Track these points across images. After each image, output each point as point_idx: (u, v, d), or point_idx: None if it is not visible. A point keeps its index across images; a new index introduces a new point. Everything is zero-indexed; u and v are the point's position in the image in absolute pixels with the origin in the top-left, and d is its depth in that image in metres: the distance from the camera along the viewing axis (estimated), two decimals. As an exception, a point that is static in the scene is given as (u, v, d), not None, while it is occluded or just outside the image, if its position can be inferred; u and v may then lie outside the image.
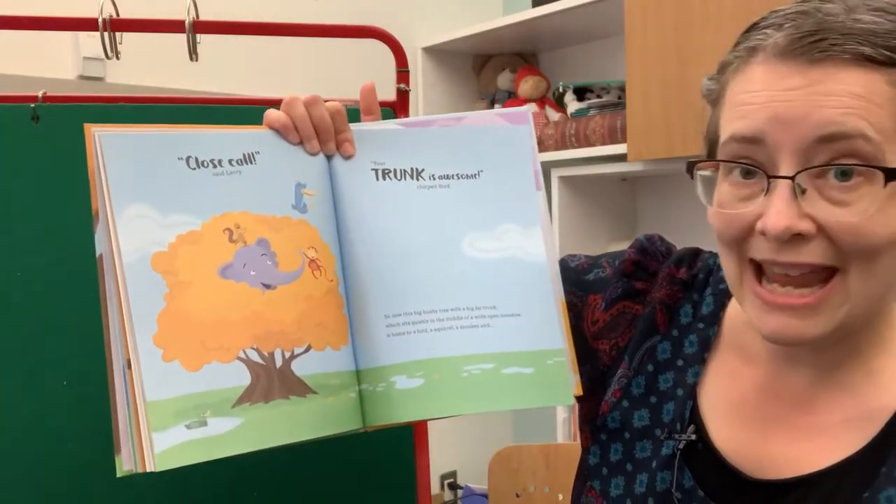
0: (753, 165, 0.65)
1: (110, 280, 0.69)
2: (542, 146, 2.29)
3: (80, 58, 1.96)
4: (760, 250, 0.66)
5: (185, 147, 0.73)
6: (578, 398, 0.80)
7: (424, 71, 2.55)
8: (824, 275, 0.65)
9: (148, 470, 0.66)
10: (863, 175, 0.62)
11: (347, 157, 0.79)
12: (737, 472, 0.73)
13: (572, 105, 2.25)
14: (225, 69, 1.99)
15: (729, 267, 0.71)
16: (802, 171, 0.63)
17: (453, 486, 2.63)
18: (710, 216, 0.70)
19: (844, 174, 0.62)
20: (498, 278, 0.79)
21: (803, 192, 0.63)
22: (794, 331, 0.66)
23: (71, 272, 1.02)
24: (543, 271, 0.80)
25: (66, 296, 1.03)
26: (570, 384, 0.78)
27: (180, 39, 1.10)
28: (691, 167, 0.70)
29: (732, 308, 0.80)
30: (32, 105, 1.05)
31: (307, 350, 0.74)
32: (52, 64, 1.94)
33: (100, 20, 1.07)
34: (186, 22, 1.08)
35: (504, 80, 2.56)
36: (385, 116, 1.18)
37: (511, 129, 0.83)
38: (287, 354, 0.72)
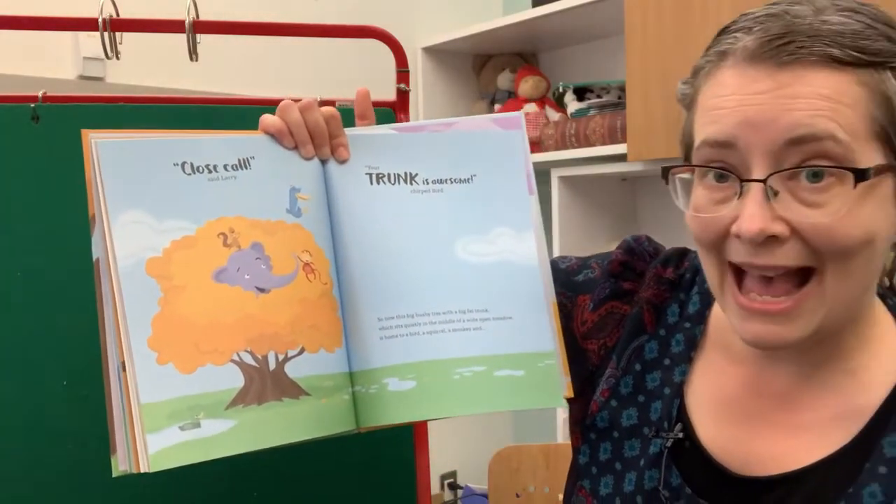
0: (726, 169, 0.66)
1: (106, 284, 0.70)
2: (542, 146, 2.29)
3: (80, 58, 1.96)
4: (737, 253, 0.67)
5: (180, 153, 0.74)
6: (569, 399, 0.81)
7: (424, 71, 2.55)
8: (800, 279, 0.66)
9: (142, 471, 0.67)
10: (834, 176, 0.63)
11: (342, 162, 0.80)
12: (723, 469, 0.74)
13: (572, 105, 2.25)
14: (225, 69, 1.99)
15: (710, 271, 0.71)
16: (774, 173, 0.63)
17: (453, 486, 2.63)
18: (687, 219, 0.71)
19: (816, 175, 0.63)
20: (490, 282, 0.80)
21: (776, 194, 0.64)
22: (774, 336, 0.67)
23: (71, 272, 1.02)
24: (535, 275, 0.81)
25: (66, 296, 1.03)
26: (561, 386, 0.79)
27: (180, 39, 1.10)
28: (666, 172, 0.71)
29: (718, 307, 0.80)
30: (32, 105, 1.05)
31: (301, 352, 0.75)
32: (52, 64, 1.93)
33: (100, 20, 1.07)
34: (186, 22, 1.08)
35: (504, 80, 2.56)
36: (385, 117, 1.18)
37: (504, 134, 0.84)
38: (280, 357, 0.73)
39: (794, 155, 0.63)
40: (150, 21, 1.11)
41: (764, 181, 0.63)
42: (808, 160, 0.63)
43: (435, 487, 2.60)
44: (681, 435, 0.76)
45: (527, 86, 2.43)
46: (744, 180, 0.64)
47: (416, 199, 0.81)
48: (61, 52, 1.95)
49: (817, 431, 0.71)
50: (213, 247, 0.73)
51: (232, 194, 0.75)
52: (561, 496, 1.57)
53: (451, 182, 0.82)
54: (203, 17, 1.10)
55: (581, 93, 2.27)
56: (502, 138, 0.84)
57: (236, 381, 0.71)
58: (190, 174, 0.74)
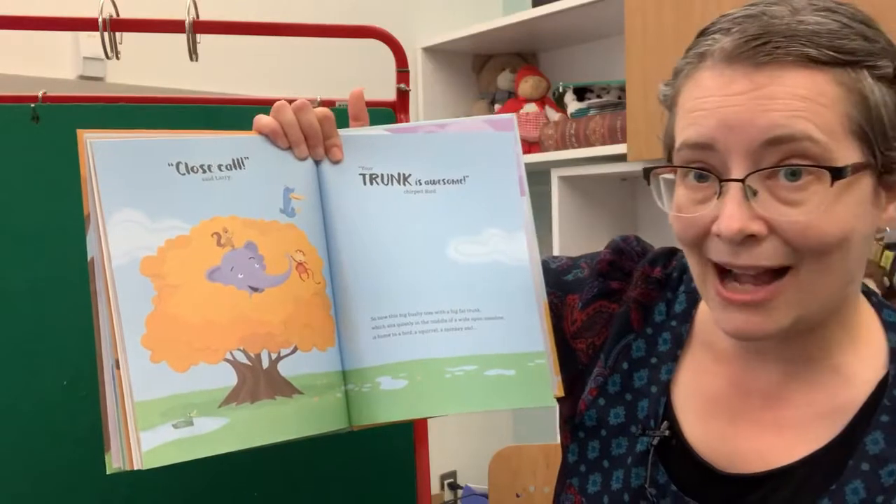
0: (705, 170, 0.67)
1: (100, 283, 0.71)
2: (543, 146, 2.29)
3: (80, 58, 1.96)
4: (717, 252, 0.68)
5: (175, 153, 0.74)
6: (558, 398, 0.82)
7: (424, 71, 2.55)
8: (778, 272, 0.67)
9: (135, 468, 0.68)
10: (812, 174, 0.63)
11: (335, 162, 0.81)
12: (709, 466, 0.75)
13: (572, 105, 2.25)
14: (225, 69, 1.98)
15: (694, 268, 0.73)
16: (752, 173, 0.64)
17: (453, 486, 2.63)
18: (671, 219, 0.71)
19: (793, 174, 0.64)
20: (482, 282, 0.81)
21: (755, 193, 0.64)
22: (753, 326, 0.68)
23: (71, 272, 1.02)
24: (527, 275, 0.82)
25: (67, 295, 1.03)
26: (552, 386, 0.80)
27: (180, 39, 1.10)
28: (647, 173, 0.72)
29: (704, 306, 0.81)
30: (32, 105, 1.05)
31: (294, 351, 0.75)
32: (52, 64, 1.93)
33: (100, 20, 1.07)
34: (186, 22, 1.08)
35: (504, 80, 2.56)
36: (385, 117, 1.18)
37: (496, 136, 0.85)
38: (274, 355, 0.74)
39: (771, 155, 0.64)
40: (150, 21, 1.11)
41: (742, 181, 0.64)
42: (785, 159, 0.63)
43: (435, 487, 2.60)
44: (667, 433, 0.77)
45: (527, 86, 2.43)
46: (723, 180, 0.65)
47: (409, 199, 0.82)
48: (61, 52, 1.95)
49: (802, 428, 0.72)
50: (207, 246, 0.74)
51: (226, 194, 0.76)
52: (561, 496, 1.56)
53: (444, 183, 0.83)
54: (203, 17, 1.10)
55: (581, 93, 2.27)
56: (495, 140, 0.84)
57: (229, 379, 0.71)
58: (184, 174, 0.74)
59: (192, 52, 1.10)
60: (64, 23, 1.13)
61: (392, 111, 1.19)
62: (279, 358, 0.74)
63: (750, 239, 0.65)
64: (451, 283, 0.80)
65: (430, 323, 0.79)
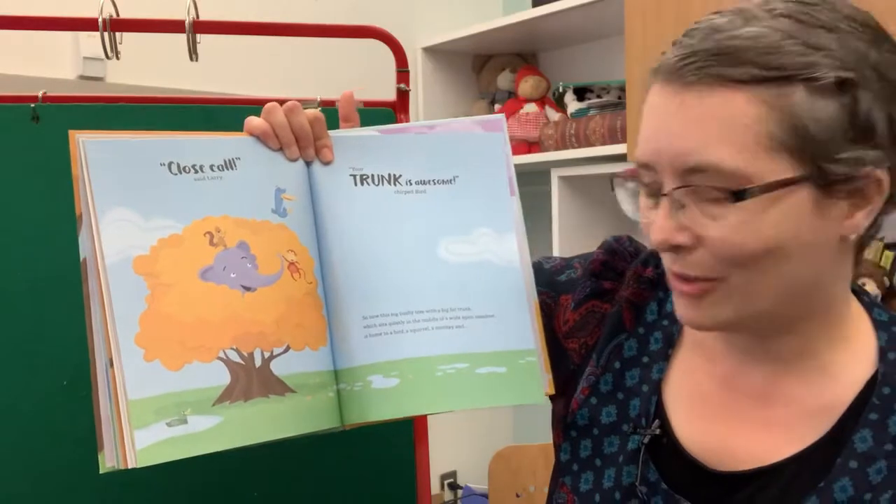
0: (646, 184, 0.70)
1: (93, 282, 0.71)
2: (543, 146, 2.29)
3: (80, 58, 1.96)
4: (662, 257, 0.72)
5: (167, 153, 0.75)
6: (551, 397, 0.84)
7: (424, 71, 2.55)
8: (717, 273, 0.69)
9: (129, 466, 0.68)
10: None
11: (326, 163, 0.82)
12: (699, 464, 0.75)
13: (572, 105, 2.25)
14: (225, 69, 1.98)
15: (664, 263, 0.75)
16: (675, 189, 0.67)
17: (453, 486, 2.63)
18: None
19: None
20: (472, 281, 0.81)
21: (682, 206, 0.67)
22: (692, 316, 0.71)
23: (71, 272, 1.01)
24: (517, 274, 0.83)
25: (67, 295, 1.03)
26: (543, 383, 0.81)
27: (180, 39, 1.10)
28: (612, 181, 0.75)
29: None
30: (32, 105, 1.05)
31: (286, 350, 0.76)
32: (52, 64, 1.93)
33: (100, 20, 1.07)
34: (186, 22, 1.08)
35: (504, 80, 2.56)
36: (385, 117, 1.18)
37: (486, 137, 0.86)
38: (266, 354, 0.74)
39: (691, 176, 0.66)
40: (150, 21, 1.11)
41: (667, 195, 0.67)
42: (700, 181, 0.66)
43: (435, 487, 2.60)
44: (658, 431, 0.77)
45: (527, 86, 2.43)
46: (655, 195, 0.68)
47: (399, 199, 0.82)
48: (61, 52, 1.95)
49: (791, 426, 0.73)
50: (200, 245, 0.74)
51: (218, 194, 0.76)
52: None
53: (434, 183, 0.84)
54: (203, 17, 1.10)
55: (581, 93, 2.27)
56: (484, 141, 0.85)
57: (223, 377, 0.72)
58: (176, 174, 0.75)
59: (192, 52, 1.10)
60: (64, 23, 1.13)
61: (392, 111, 1.19)
62: (272, 357, 0.75)
63: (682, 248, 0.68)
64: (442, 283, 0.81)
65: (422, 322, 0.79)
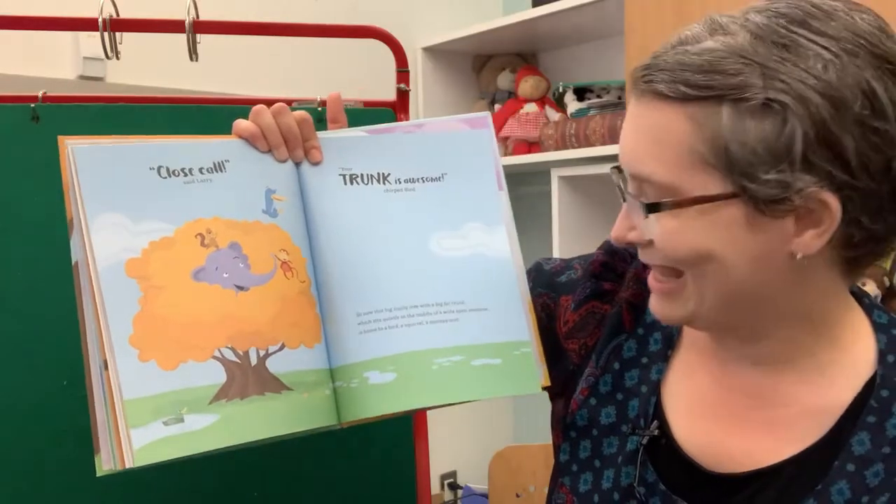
0: (618, 184, 0.74)
1: (86, 286, 0.72)
2: (543, 146, 2.29)
3: (80, 58, 1.96)
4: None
5: (155, 157, 0.76)
6: (551, 397, 0.85)
7: (424, 71, 2.55)
8: (678, 272, 0.72)
9: (127, 466, 0.68)
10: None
11: (315, 164, 0.83)
12: (697, 466, 0.75)
13: (572, 105, 2.25)
14: (225, 69, 1.98)
15: None
16: (629, 193, 0.72)
17: (453, 486, 2.63)
18: None
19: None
20: (465, 274, 0.82)
21: (635, 208, 0.71)
22: (658, 309, 0.75)
23: (71, 271, 1.02)
24: (508, 267, 0.84)
25: (67, 295, 1.02)
26: (538, 374, 0.82)
27: (180, 39, 1.10)
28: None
29: None
30: (32, 105, 1.05)
31: (281, 348, 0.76)
32: (52, 64, 1.93)
33: (100, 20, 1.07)
34: (186, 22, 1.08)
35: (504, 80, 2.56)
36: (385, 116, 1.18)
37: (472, 134, 0.87)
38: (262, 353, 0.75)
39: (637, 182, 0.70)
40: (150, 21, 1.11)
41: (624, 199, 0.72)
42: (642, 189, 0.70)
43: (435, 487, 2.60)
44: (656, 432, 0.77)
45: (527, 86, 2.43)
46: (622, 195, 0.73)
47: (389, 198, 0.83)
48: (61, 52, 1.95)
49: (789, 428, 0.73)
50: (191, 247, 0.75)
51: (208, 196, 0.77)
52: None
53: (423, 181, 0.85)
54: (203, 17, 1.10)
55: (581, 93, 2.27)
56: (471, 137, 0.87)
57: (218, 376, 0.72)
58: (165, 177, 0.76)
59: (192, 52, 1.10)
60: (64, 23, 1.13)
61: (392, 111, 1.19)
62: (267, 355, 0.75)
63: (645, 244, 0.71)
64: (435, 277, 0.82)
65: (416, 316, 0.80)
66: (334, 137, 0.84)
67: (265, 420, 0.73)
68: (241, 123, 0.81)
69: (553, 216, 2.23)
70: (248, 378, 0.73)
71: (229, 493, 1.10)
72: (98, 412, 0.70)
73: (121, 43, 1.09)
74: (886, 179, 0.65)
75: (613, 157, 2.40)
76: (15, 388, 1.03)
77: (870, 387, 0.71)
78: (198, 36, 1.10)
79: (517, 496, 1.58)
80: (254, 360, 0.74)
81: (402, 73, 1.19)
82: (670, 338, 0.82)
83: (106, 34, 1.07)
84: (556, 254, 2.22)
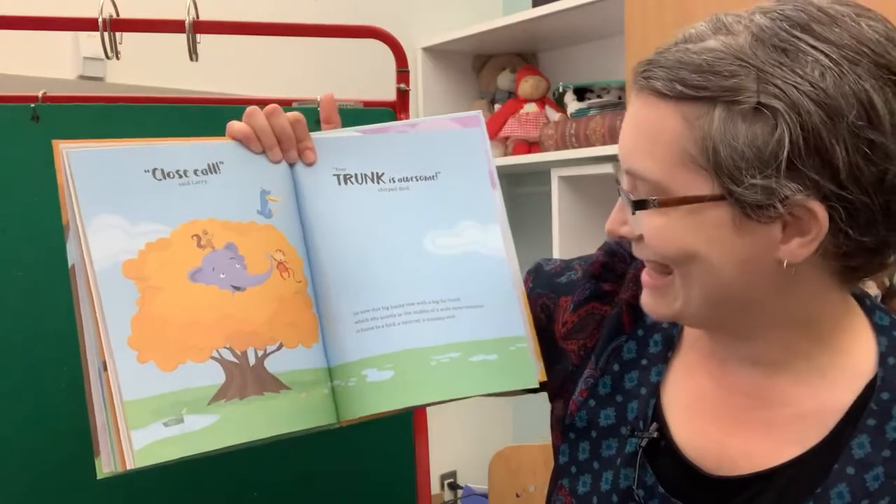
0: (617, 179, 0.74)
1: (83, 288, 0.72)
2: (543, 146, 2.29)
3: (80, 58, 1.96)
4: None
5: (150, 160, 0.76)
6: (550, 398, 0.85)
7: (424, 71, 2.55)
8: (668, 269, 0.72)
9: (127, 468, 0.68)
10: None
11: (309, 164, 0.83)
12: (696, 468, 0.75)
13: (572, 105, 2.25)
14: (225, 69, 1.98)
15: None
16: (624, 187, 0.71)
17: (453, 486, 2.63)
18: None
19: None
20: (460, 272, 0.83)
21: (628, 203, 0.71)
22: (648, 306, 0.75)
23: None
24: (502, 263, 0.85)
25: (66, 296, 1.02)
26: (534, 369, 0.83)
27: (180, 39, 1.10)
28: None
29: None
30: (32, 105, 1.05)
31: (279, 348, 0.76)
32: (52, 64, 1.93)
33: (100, 20, 1.07)
34: (186, 22, 1.08)
35: (504, 80, 2.56)
36: (385, 116, 1.18)
37: (464, 132, 0.87)
38: (260, 353, 0.75)
39: (630, 177, 0.70)
40: (150, 21, 1.11)
41: (619, 193, 0.72)
42: (635, 185, 0.70)
43: (435, 487, 2.60)
44: (655, 434, 0.77)
45: (527, 86, 2.43)
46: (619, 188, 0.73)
47: (383, 197, 0.84)
48: (61, 52, 1.95)
49: (788, 431, 0.72)
50: (188, 248, 0.75)
51: (203, 198, 0.77)
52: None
53: (417, 180, 0.85)
54: (203, 17, 1.10)
55: (581, 93, 2.27)
56: (463, 136, 0.87)
57: (217, 377, 0.72)
58: (161, 179, 0.76)
59: (192, 52, 1.10)
60: (64, 23, 1.13)
61: (392, 111, 1.19)
62: (265, 355, 0.75)
63: (637, 238, 0.72)
64: (431, 275, 0.82)
65: (413, 314, 0.80)
66: (328, 138, 0.85)
67: (264, 420, 0.74)
68: (234, 125, 0.82)
69: (553, 216, 2.23)
70: (247, 378, 0.74)
71: (229, 493, 1.10)
72: (98, 414, 0.71)
73: (121, 43, 1.09)
74: (879, 192, 0.64)
75: (613, 158, 2.39)
76: (15, 388, 1.03)
77: (870, 389, 0.71)
78: (198, 36, 1.10)
79: (517, 496, 1.58)
80: (252, 360, 0.74)
81: (402, 73, 1.19)
82: (670, 339, 0.81)
83: (106, 34, 1.07)
84: (555, 254, 2.22)
